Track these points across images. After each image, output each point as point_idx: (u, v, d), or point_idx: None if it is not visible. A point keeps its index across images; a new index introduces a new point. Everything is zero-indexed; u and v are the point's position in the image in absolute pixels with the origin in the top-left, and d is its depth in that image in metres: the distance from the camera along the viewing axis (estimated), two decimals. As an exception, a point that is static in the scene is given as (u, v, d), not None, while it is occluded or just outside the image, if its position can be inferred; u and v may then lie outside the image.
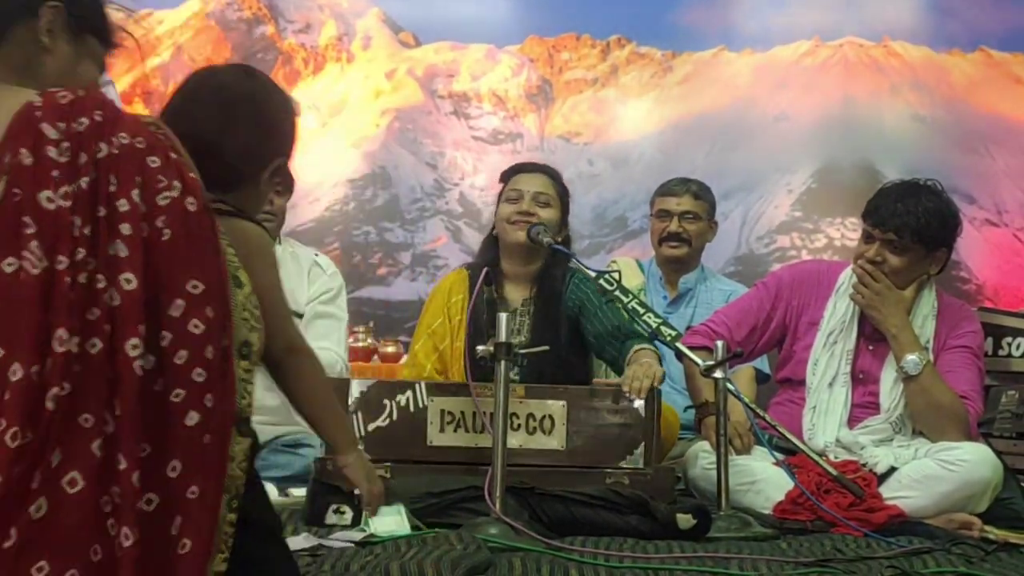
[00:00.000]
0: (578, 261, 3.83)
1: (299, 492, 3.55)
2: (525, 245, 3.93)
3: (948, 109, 7.21)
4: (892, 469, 3.54)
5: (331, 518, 3.12)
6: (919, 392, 3.65)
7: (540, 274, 3.99)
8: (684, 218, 4.80)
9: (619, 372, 3.77)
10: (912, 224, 3.70)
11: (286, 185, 4.24)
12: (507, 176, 4.08)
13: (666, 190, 4.89)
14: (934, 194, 3.77)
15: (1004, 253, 7.02)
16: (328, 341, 4.19)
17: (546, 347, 3.47)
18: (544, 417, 3.35)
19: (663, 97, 7.29)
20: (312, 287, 4.25)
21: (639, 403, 3.36)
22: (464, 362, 3.67)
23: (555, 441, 3.34)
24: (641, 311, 3.56)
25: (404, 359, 5.77)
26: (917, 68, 7.29)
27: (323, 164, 7.14)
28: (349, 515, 3.12)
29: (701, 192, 4.87)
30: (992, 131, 7.18)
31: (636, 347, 3.72)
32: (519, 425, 3.32)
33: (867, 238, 3.77)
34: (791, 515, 3.39)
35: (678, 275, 4.85)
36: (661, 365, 3.61)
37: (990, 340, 4.01)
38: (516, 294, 3.99)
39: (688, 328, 4.12)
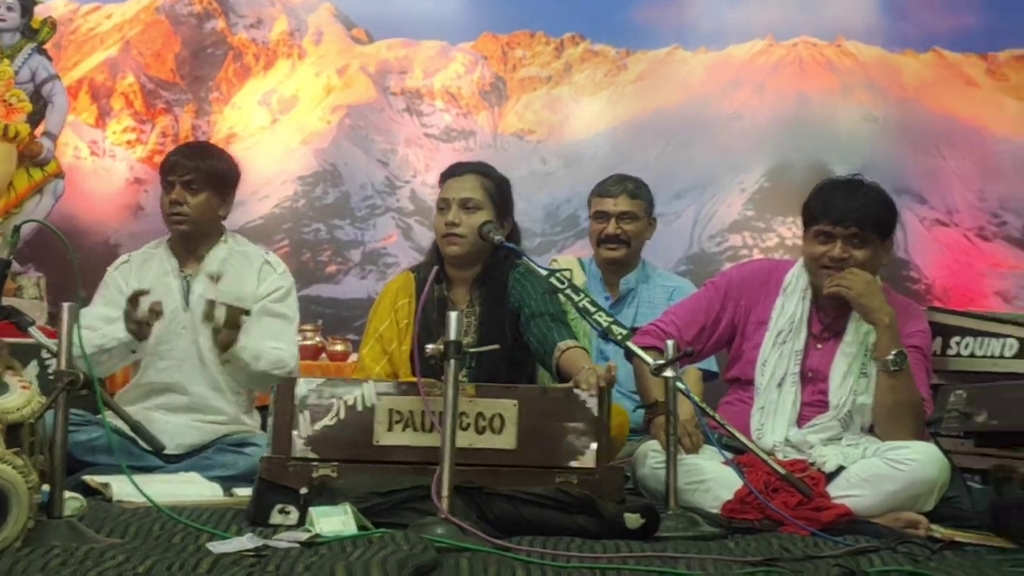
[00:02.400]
0: (529, 259, 3.81)
1: (244, 492, 3.52)
2: (459, 256, 3.92)
3: (900, 109, 7.24)
4: (840, 468, 3.56)
5: (276, 518, 3.10)
6: (894, 389, 3.66)
7: (482, 276, 3.97)
8: (622, 219, 4.77)
9: (543, 354, 3.75)
10: (872, 216, 3.75)
11: (200, 183, 4.18)
12: (441, 180, 4.06)
13: (602, 190, 4.85)
14: (872, 185, 3.84)
15: (953, 253, 7.07)
16: (280, 341, 4.16)
17: (497, 346, 3.45)
18: (494, 416, 3.32)
19: (617, 95, 7.29)
20: (262, 285, 4.23)
21: (591, 403, 3.35)
22: (413, 363, 3.66)
23: (505, 440, 3.32)
24: (592, 309, 3.55)
25: (352, 357, 5.75)
26: (870, 68, 7.32)
27: (273, 161, 7.10)
28: (294, 515, 3.10)
29: (638, 191, 4.83)
30: (944, 132, 7.22)
31: (568, 344, 3.71)
32: (468, 424, 3.30)
33: (825, 238, 3.77)
34: (739, 514, 3.39)
35: (618, 276, 4.83)
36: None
37: (939, 340, 4.03)
38: (460, 297, 3.98)
39: (631, 329, 4.12)
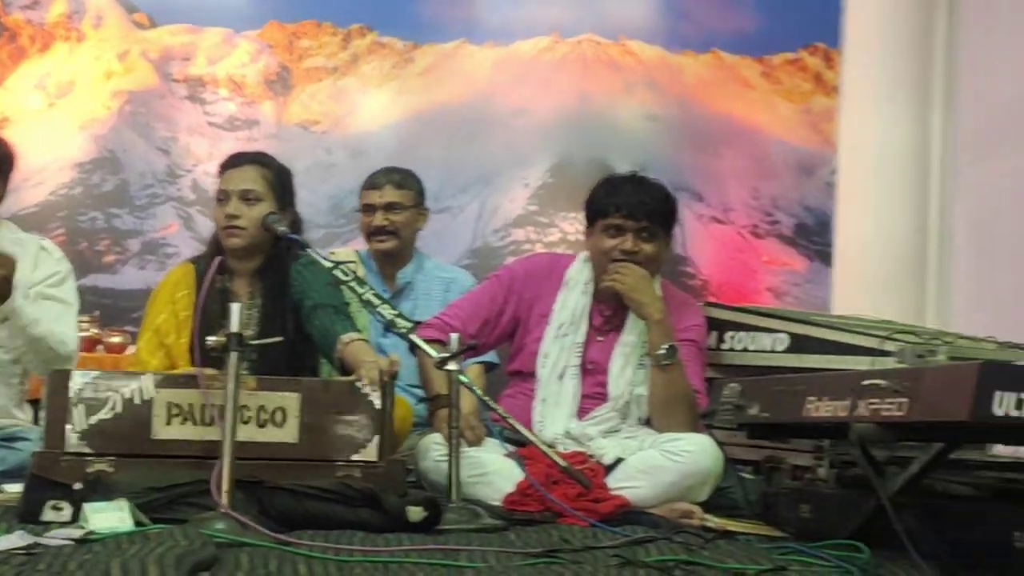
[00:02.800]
0: (314, 252, 3.78)
1: (14, 488, 3.41)
2: (240, 248, 3.86)
3: (680, 109, 7.40)
4: (619, 460, 3.63)
5: (48, 515, 3.01)
6: (667, 382, 3.75)
7: (264, 267, 3.92)
8: (389, 210, 4.77)
9: (326, 346, 3.73)
10: (661, 210, 3.88)
11: None
12: (221, 171, 3.99)
13: (369, 183, 4.86)
14: (655, 182, 3.99)
15: (729, 250, 7.27)
16: (61, 325, 4.00)
17: (280, 338, 3.42)
18: (276, 410, 3.30)
19: (404, 88, 7.28)
20: (37, 271, 4.06)
21: (374, 396, 3.35)
22: (192, 355, 3.60)
23: (287, 434, 3.29)
24: (376, 302, 3.54)
25: (130, 349, 5.62)
26: (652, 67, 7.45)
27: (49, 146, 6.86)
28: (68, 511, 3.01)
29: (404, 181, 4.84)
30: (721, 131, 7.41)
31: (352, 337, 3.68)
32: (249, 418, 3.26)
33: (616, 231, 3.85)
34: (520, 506, 3.43)
35: (394, 268, 4.82)
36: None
37: (714, 334, 4.14)
38: (241, 288, 3.91)
39: (414, 322, 4.12)
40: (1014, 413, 2.51)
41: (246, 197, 3.85)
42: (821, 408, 2.92)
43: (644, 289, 3.81)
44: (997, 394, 2.50)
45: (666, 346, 3.75)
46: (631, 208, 3.84)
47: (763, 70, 7.51)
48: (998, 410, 2.50)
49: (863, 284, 6.43)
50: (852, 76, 6.78)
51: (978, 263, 6.36)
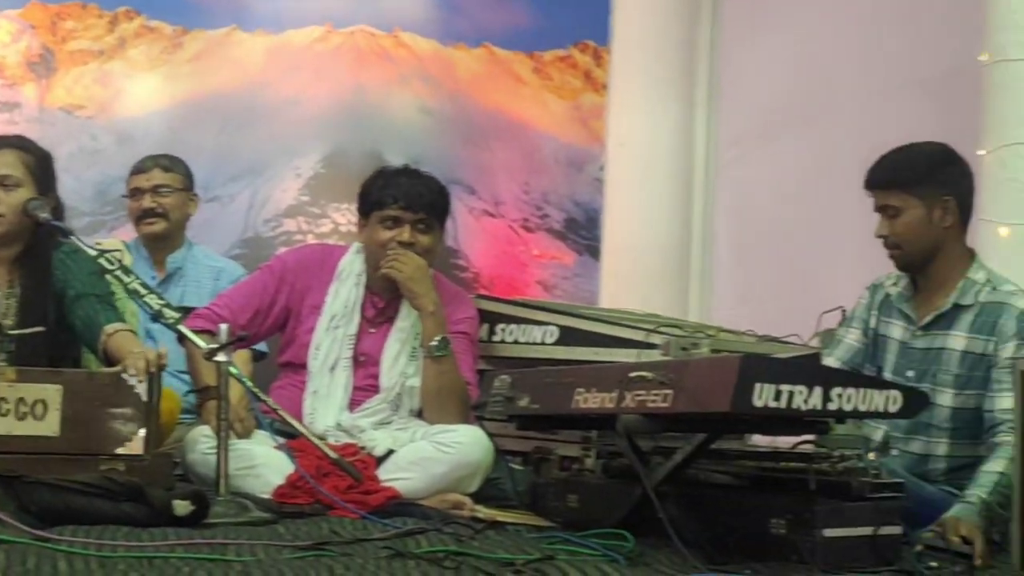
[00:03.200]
0: (78, 239, 3.68)
1: None
2: None
3: (453, 102, 7.43)
4: (390, 451, 3.64)
5: None
6: (439, 374, 3.78)
7: (23, 255, 3.79)
8: (156, 193, 4.74)
9: (90, 337, 3.64)
10: (438, 203, 3.93)
11: None
12: None
13: (136, 168, 4.84)
14: (428, 174, 4.01)
15: (500, 243, 7.33)
16: None
17: (41, 328, 3.33)
18: (36, 402, 3.21)
19: (173, 74, 7.12)
20: None
21: (139, 388, 3.28)
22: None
23: (47, 427, 3.21)
24: (143, 292, 3.48)
25: None
26: (425, 60, 7.46)
27: None
28: None
29: (171, 165, 4.82)
30: (493, 126, 7.46)
31: (116, 327, 3.61)
32: (8, 410, 3.17)
33: (393, 223, 3.86)
34: (290, 499, 3.41)
35: (164, 253, 4.77)
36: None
37: (486, 326, 4.18)
38: (1, 277, 3.77)
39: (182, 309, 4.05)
40: (772, 404, 2.61)
41: (4, 183, 3.73)
42: (589, 400, 2.98)
43: (421, 279, 3.83)
44: (757, 386, 2.60)
45: (439, 338, 3.78)
46: (409, 200, 3.85)
47: (534, 66, 7.59)
48: (757, 401, 2.60)
49: (630, 278, 6.57)
50: (620, 74, 6.93)
51: (739, 258, 6.58)
